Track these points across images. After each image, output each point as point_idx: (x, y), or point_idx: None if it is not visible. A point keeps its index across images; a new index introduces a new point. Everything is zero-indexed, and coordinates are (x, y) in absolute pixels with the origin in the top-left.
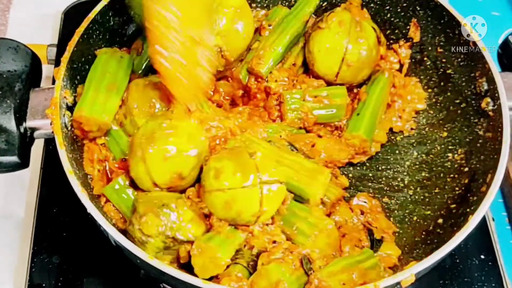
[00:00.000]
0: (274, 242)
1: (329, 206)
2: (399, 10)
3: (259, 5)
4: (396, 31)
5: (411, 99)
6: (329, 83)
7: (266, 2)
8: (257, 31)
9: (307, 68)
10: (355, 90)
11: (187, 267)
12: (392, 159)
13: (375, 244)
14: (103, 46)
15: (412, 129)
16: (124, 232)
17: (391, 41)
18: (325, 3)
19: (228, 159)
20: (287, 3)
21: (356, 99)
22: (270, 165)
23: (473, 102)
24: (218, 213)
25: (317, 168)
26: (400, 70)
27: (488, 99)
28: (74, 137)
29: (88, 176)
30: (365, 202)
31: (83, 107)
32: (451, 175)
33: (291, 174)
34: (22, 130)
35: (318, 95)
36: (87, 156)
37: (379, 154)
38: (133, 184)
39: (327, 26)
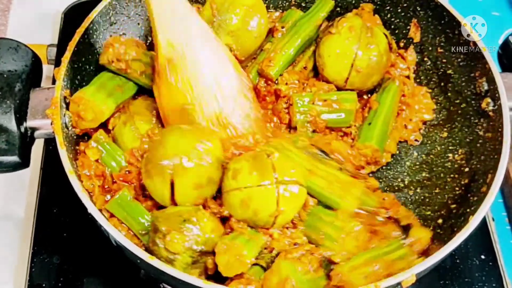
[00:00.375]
0: (295, 244)
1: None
2: (399, 10)
3: (272, 6)
4: (397, 32)
5: (419, 108)
6: (338, 88)
7: (281, 3)
8: (270, 32)
9: (317, 72)
10: (365, 97)
11: (215, 278)
12: (392, 159)
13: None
14: (103, 46)
15: (416, 140)
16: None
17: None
18: (338, 8)
19: (246, 160)
20: (299, 3)
21: (366, 107)
22: (288, 166)
23: (473, 102)
24: (236, 213)
25: (351, 181)
26: (408, 77)
27: (489, 99)
28: (75, 137)
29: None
30: (384, 198)
31: (86, 90)
32: (451, 176)
33: (324, 185)
34: (22, 130)
35: (327, 99)
36: (83, 171)
37: None
38: (138, 195)
39: (337, 31)
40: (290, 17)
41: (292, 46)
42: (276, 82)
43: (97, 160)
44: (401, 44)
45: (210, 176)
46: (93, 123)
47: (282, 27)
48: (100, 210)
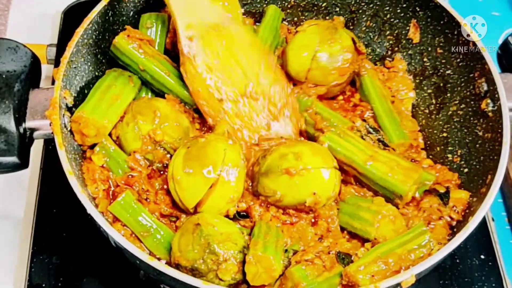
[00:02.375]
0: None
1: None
2: (398, 11)
3: None
4: (396, 32)
5: (400, 88)
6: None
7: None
8: None
9: None
10: (348, 93)
11: None
12: None
13: (444, 198)
14: (102, 46)
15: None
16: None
17: (391, 42)
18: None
19: (303, 145)
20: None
21: (356, 113)
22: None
23: (472, 103)
24: (294, 195)
25: (412, 167)
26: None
27: (488, 100)
28: (75, 138)
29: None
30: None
31: (85, 109)
32: None
33: (386, 170)
34: (21, 130)
35: None
36: (89, 177)
37: None
38: (141, 199)
39: (302, 29)
40: None
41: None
42: None
43: (102, 166)
44: (400, 45)
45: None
46: (97, 138)
47: None
48: (103, 213)
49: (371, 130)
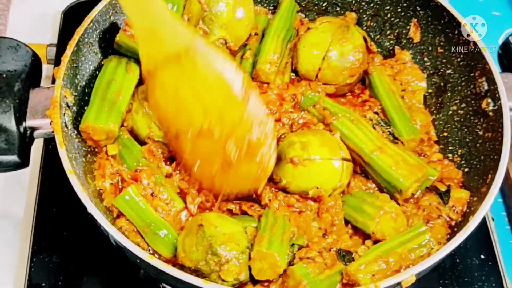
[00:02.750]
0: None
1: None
2: (399, 10)
3: None
4: (397, 32)
5: (410, 79)
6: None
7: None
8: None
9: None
10: (357, 91)
11: None
12: None
13: (444, 197)
14: (103, 45)
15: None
16: None
17: (391, 41)
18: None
19: (312, 135)
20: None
21: (365, 108)
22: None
23: (473, 102)
24: (298, 183)
25: (417, 165)
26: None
27: (489, 100)
28: (75, 137)
29: (99, 190)
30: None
31: (89, 117)
32: None
33: (392, 164)
34: (22, 129)
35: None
36: (99, 172)
37: None
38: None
39: (315, 26)
40: (258, 21)
41: (279, 47)
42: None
43: (113, 157)
44: (401, 45)
45: None
46: (110, 140)
47: (256, 34)
48: (109, 208)
49: (382, 123)
